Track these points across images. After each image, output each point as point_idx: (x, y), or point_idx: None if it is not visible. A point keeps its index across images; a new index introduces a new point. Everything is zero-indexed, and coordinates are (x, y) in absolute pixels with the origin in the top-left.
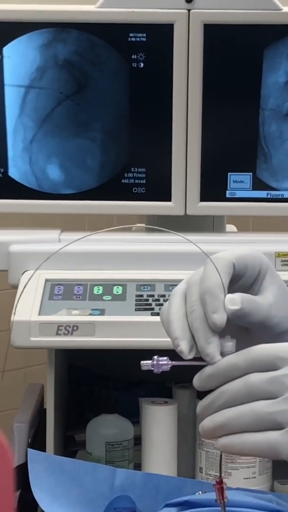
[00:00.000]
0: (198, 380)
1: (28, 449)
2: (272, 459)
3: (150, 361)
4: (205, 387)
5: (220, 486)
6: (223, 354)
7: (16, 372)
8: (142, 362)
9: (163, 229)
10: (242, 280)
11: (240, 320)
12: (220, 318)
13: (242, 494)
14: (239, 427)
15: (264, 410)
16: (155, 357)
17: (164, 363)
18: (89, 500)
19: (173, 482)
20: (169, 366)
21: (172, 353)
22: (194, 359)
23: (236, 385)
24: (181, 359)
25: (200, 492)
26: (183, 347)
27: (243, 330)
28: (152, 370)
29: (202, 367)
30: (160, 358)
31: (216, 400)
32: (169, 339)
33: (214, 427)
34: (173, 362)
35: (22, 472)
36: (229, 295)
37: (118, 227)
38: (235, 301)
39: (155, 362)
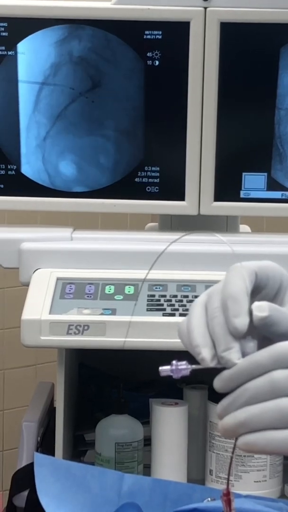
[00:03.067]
0: (219, 381)
1: (35, 453)
2: None
3: (168, 367)
4: (227, 388)
5: (227, 498)
6: (244, 356)
7: (27, 369)
8: (160, 368)
9: (215, 234)
10: (264, 291)
11: (266, 329)
12: (241, 322)
13: (251, 502)
14: (263, 424)
15: None
16: (174, 362)
17: (184, 367)
18: (96, 506)
19: (182, 488)
20: (188, 370)
21: (183, 354)
22: None
23: (259, 382)
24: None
25: (209, 499)
26: (205, 354)
27: (264, 344)
28: (171, 375)
29: (222, 370)
30: (179, 363)
31: (238, 398)
32: (179, 341)
33: (236, 425)
34: (193, 366)
35: (30, 472)
36: (256, 302)
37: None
38: (263, 307)
39: (173, 367)
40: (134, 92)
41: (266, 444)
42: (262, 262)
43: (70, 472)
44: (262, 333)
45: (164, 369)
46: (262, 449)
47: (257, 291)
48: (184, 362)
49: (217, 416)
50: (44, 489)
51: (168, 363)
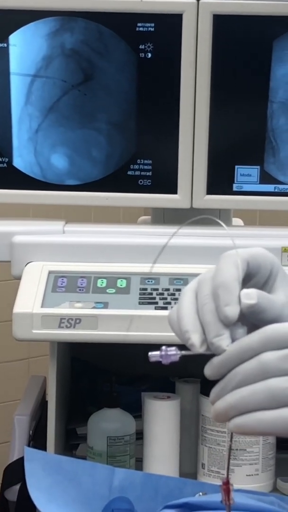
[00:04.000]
0: (210, 368)
1: (25, 447)
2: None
3: (158, 352)
4: (218, 374)
5: (226, 487)
6: (233, 341)
7: (19, 363)
8: (150, 353)
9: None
10: (254, 279)
11: (255, 316)
12: (232, 311)
13: (243, 496)
14: (253, 405)
15: (279, 386)
16: (163, 347)
17: (173, 353)
18: (87, 500)
19: (173, 482)
20: (178, 356)
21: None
22: None
23: (249, 365)
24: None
25: (201, 494)
26: (194, 339)
27: (254, 329)
28: (161, 361)
29: (211, 357)
30: (169, 349)
31: (229, 382)
32: (173, 334)
33: (227, 408)
34: (183, 352)
35: (22, 466)
36: (244, 290)
37: (194, 219)
38: (251, 295)
39: (163, 352)
40: (127, 85)
41: (256, 424)
42: (254, 250)
43: (61, 466)
44: (250, 320)
45: (154, 355)
46: (252, 430)
47: (248, 279)
48: (173, 348)
49: (210, 403)
50: (34, 483)
51: (158, 349)
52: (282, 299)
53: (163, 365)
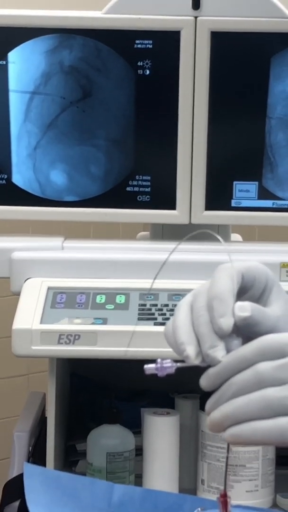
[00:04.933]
0: (205, 379)
1: (25, 463)
2: (283, 446)
3: (153, 365)
4: (213, 385)
5: (224, 499)
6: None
7: (18, 378)
8: (145, 366)
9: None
10: (249, 292)
11: (249, 329)
12: (227, 322)
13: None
14: (248, 415)
15: (274, 396)
16: (159, 359)
17: (168, 365)
18: None
19: (172, 498)
20: (173, 368)
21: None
22: None
23: (244, 375)
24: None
25: (200, 509)
26: (189, 351)
27: (249, 341)
28: (157, 373)
29: (207, 369)
30: (164, 361)
31: (224, 393)
32: (171, 350)
33: (222, 417)
34: (178, 364)
35: (21, 482)
36: (238, 302)
37: (195, 232)
38: (245, 308)
39: (159, 365)
40: (125, 102)
41: (251, 434)
42: (249, 263)
43: (60, 482)
44: (245, 333)
45: (149, 367)
46: (247, 440)
47: (243, 292)
48: (168, 360)
49: (206, 414)
50: (34, 500)
51: (154, 362)
52: (277, 312)
53: (162, 380)
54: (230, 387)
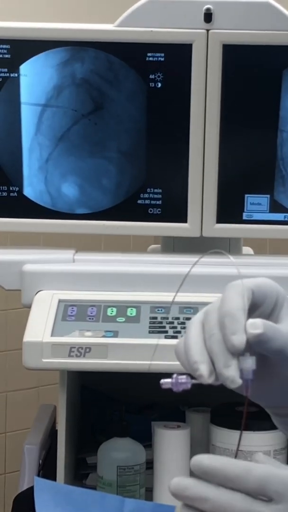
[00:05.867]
0: (197, 467)
1: (35, 477)
2: None
3: (169, 380)
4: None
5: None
6: (242, 371)
7: (29, 391)
8: (162, 380)
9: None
10: (260, 309)
11: (261, 346)
12: (239, 340)
13: None
14: None
15: None
16: (175, 375)
17: (184, 381)
18: None
19: None
20: (189, 384)
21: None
22: None
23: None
24: None
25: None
26: (203, 370)
27: (261, 361)
28: (172, 388)
29: (222, 386)
30: (180, 377)
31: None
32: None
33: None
34: (193, 380)
35: (31, 495)
36: (250, 320)
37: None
38: (257, 325)
39: (174, 380)
40: (137, 114)
41: None
42: (259, 280)
43: (70, 497)
44: (257, 351)
45: (166, 382)
46: None
47: (254, 309)
48: (184, 376)
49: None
50: None
51: (169, 376)
52: None
53: (173, 394)
54: (207, 503)
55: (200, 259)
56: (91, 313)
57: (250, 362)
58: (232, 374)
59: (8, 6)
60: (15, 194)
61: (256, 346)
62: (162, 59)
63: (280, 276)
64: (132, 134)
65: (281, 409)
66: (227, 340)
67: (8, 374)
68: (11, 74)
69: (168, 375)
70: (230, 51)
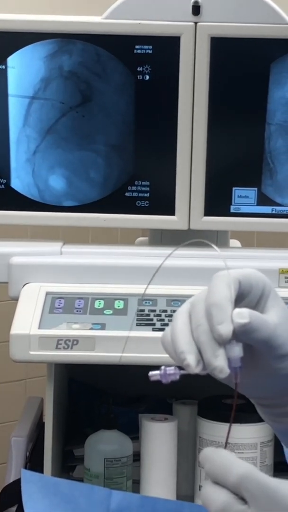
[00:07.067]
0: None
1: (22, 470)
2: None
3: (158, 371)
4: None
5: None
6: (230, 359)
7: (16, 383)
8: (150, 372)
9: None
10: (246, 299)
11: (247, 335)
12: (226, 329)
13: None
14: None
15: None
16: (163, 367)
17: (172, 372)
18: None
19: (170, 505)
20: (177, 375)
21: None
22: None
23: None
24: None
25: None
26: (190, 360)
27: (247, 352)
28: (161, 380)
29: (209, 376)
30: (168, 368)
31: None
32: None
33: None
34: (182, 371)
35: (18, 487)
36: (237, 309)
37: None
38: (243, 314)
39: (163, 372)
40: (125, 107)
41: None
42: (246, 270)
43: (58, 489)
44: (243, 340)
45: (154, 374)
46: None
47: (240, 299)
48: (172, 367)
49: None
50: (31, 506)
51: (158, 368)
52: (274, 319)
53: (160, 386)
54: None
55: (179, 247)
56: (79, 305)
57: (237, 350)
58: (221, 363)
59: None
60: (3, 186)
61: (242, 336)
62: (150, 51)
63: (267, 269)
64: (120, 126)
65: (265, 400)
66: (214, 329)
67: None
68: None
69: (156, 367)
70: (218, 44)
